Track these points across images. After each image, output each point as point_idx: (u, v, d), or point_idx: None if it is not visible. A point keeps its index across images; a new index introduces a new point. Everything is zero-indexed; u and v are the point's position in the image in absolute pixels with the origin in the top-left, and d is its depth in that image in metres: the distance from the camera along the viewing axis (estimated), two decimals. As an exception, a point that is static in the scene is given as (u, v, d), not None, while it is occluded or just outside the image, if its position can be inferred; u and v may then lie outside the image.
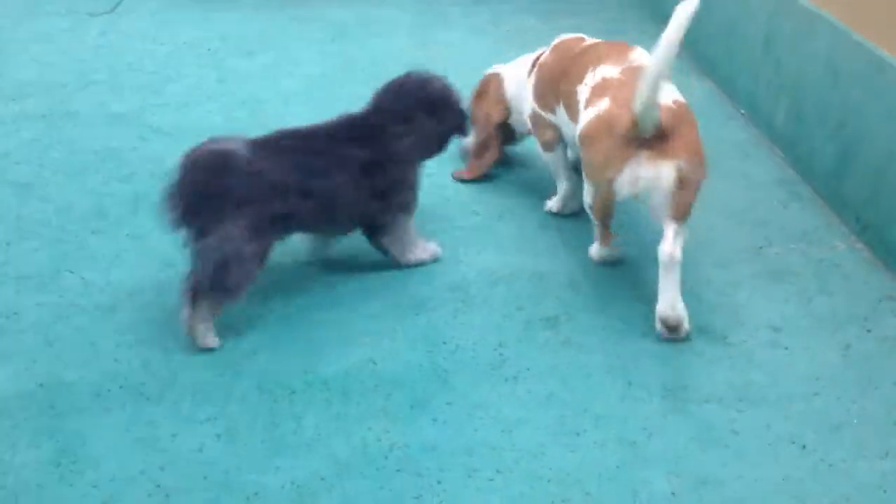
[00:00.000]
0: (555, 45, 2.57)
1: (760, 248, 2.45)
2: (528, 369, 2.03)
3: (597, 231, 2.34)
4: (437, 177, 2.78)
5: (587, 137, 2.15)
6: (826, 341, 2.11)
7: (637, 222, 2.52)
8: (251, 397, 1.94)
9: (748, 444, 1.83)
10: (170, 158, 2.85)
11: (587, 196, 2.25)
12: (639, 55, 2.28)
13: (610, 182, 2.11)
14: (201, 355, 2.05)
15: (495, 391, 1.97)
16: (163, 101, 3.31)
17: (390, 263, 2.37)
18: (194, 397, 1.94)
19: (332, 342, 2.10)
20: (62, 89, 3.42)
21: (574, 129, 2.26)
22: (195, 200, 2.01)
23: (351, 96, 3.33)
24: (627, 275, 2.34)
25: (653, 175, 2.05)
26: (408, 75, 2.36)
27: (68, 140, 3.02)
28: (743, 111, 3.19)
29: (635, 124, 2.03)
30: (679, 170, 2.04)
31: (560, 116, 2.42)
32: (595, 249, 2.38)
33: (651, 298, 2.25)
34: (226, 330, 2.12)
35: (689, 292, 2.26)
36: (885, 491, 1.73)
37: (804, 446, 1.83)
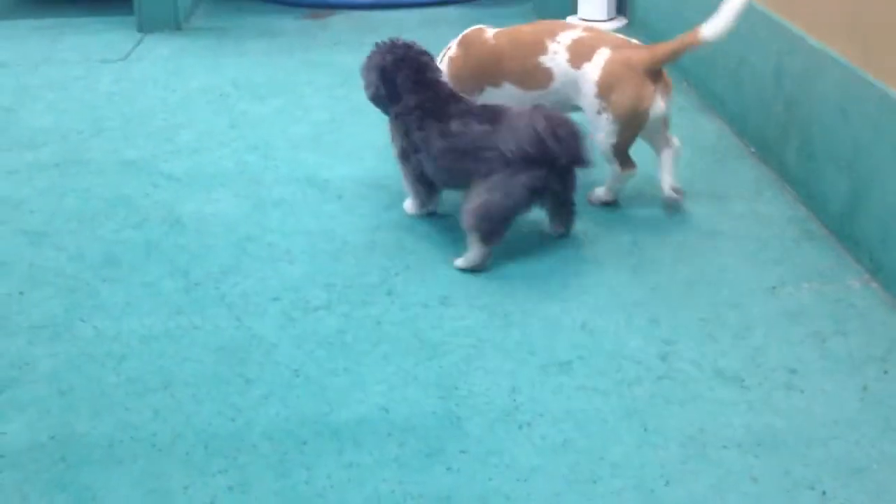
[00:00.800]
0: (462, 40, 2.94)
1: (774, 287, 2.44)
2: (543, 415, 2.01)
3: (618, 166, 2.76)
4: (442, 218, 2.78)
5: (611, 81, 2.64)
6: (843, 383, 2.09)
7: (646, 265, 2.51)
8: (262, 447, 1.92)
9: (768, 492, 1.80)
10: (181, 204, 2.89)
11: (612, 137, 2.68)
12: (572, 22, 2.94)
13: (646, 111, 2.64)
14: (212, 403, 2.04)
15: (510, 438, 1.95)
16: (175, 148, 3.34)
17: (399, 306, 2.37)
18: (206, 448, 1.92)
19: (343, 389, 2.09)
20: (76, 136, 3.45)
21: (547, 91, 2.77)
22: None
23: (359, 141, 3.37)
24: (640, 318, 2.32)
25: (662, 102, 2.67)
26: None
27: (81, 188, 3.04)
28: (753, 149, 3.19)
29: (652, 61, 2.65)
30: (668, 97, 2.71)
31: (506, 90, 2.84)
32: (618, 177, 2.79)
33: (666, 341, 2.23)
34: (236, 377, 2.12)
35: (703, 334, 2.25)
36: (908, 538, 1.70)
37: (824, 492, 1.80)
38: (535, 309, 2.36)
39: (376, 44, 2.74)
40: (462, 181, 2.57)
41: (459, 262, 2.53)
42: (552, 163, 2.44)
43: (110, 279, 2.52)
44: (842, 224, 2.60)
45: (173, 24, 4.73)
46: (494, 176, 2.45)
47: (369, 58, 2.74)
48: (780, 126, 2.96)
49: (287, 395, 2.07)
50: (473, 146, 2.49)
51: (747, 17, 3.18)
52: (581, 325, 2.30)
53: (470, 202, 2.50)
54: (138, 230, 2.77)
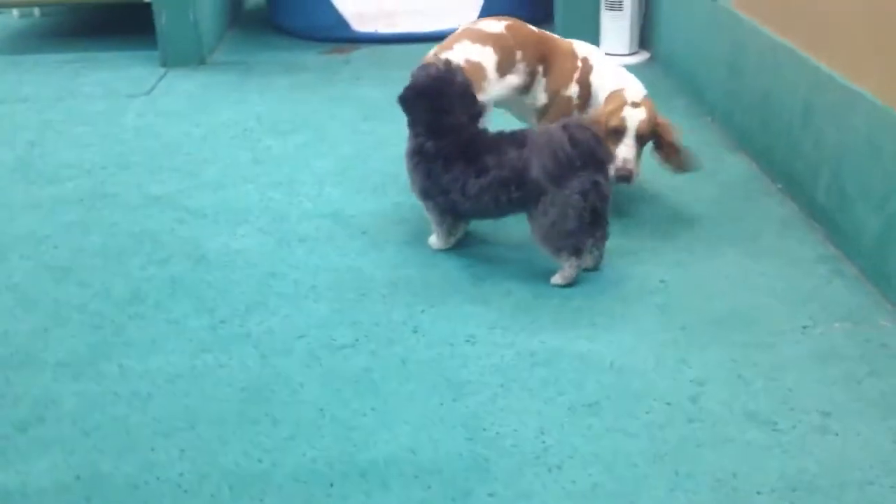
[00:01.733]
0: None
1: (805, 327, 2.40)
2: (572, 457, 1.98)
3: None
4: (467, 254, 2.77)
5: None
6: (877, 426, 2.05)
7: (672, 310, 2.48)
8: (289, 488, 1.90)
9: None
10: (206, 241, 2.89)
11: None
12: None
13: None
14: (238, 443, 2.02)
15: (538, 481, 1.92)
16: (199, 183, 3.35)
17: (425, 344, 2.35)
18: (232, 489, 1.90)
19: (369, 429, 2.07)
20: (101, 171, 3.47)
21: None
22: None
23: (383, 175, 3.37)
24: (670, 358, 2.30)
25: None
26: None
27: (106, 223, 3.05)
28: (779, 185, 3.16)
29: None
30: None
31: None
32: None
33: (696, 382, 2.20)
34: (263, 416, 2.10)
35: (734, 375, 2.22)
36: (950, 589, 1.65)
37: (862, 540, 1.76)
38: (563, 348, 2.34)
39: (421, 66, 2.73)
40: (505, 209, 2.65)
41: (557, 279, 2.62)
42: (582, 167, 2.52)
43: (136, 316, 2.52)
44: (872, 262, 2.57)
45: (197, 58, 4.78)
46: (544, 197, 2.53)
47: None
48: (809, 162, 2.94)
49: (313, 435, 2.05)
50: (514, 173, 2.55)
51: (774, 52, 3.18)
52: (609, 365, 2.27)
53: (538, 231, 2.59)
54: (163, 266, 2.77)
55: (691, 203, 3.11)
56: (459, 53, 2.91)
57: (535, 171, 2.52)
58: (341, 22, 5.18)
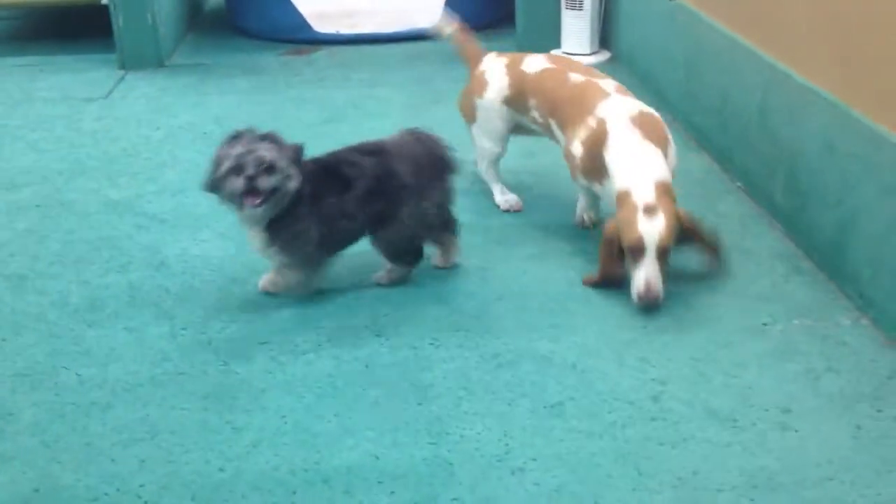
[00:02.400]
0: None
1: (764, 324, 2.43)
2: (535, 459, 1.98)
3: None
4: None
5: None
6: (837, 422, 2.07)
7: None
8: (251, 497, 1.89)
9: (764, 536, 1.79)
10: (166, 247, 2.86)
11: None
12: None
13: None
14: (199, 452, 2.00)
15: (502, 484, 1.92)
16: (158, 188, 3.31)
17: (388, 348, 2.34)
18: (194, 499, 1.88)
19: (333, 435, 2.06)
20: (58, 177, 3.42)
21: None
22: None
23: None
24: (632, 358, 2.31)
25: None
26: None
27: (64, 230, 3.01)
28: (739, 184, 3.20)
29: None
30: None
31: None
32: None
33: (658, 381, 2.22)
34: (224, 425, 2.08)
35: (695, 373, 2.24)
36: (907, 582, 1.68)
37: (822, 535, 1.78)
38: (526, 349, 2.35)
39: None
40: (374, 224, 2.54)
41: (382, 278, 2.64)
42: (435, 176, 2.56)
43: (94, 324, 2.48)
44: (831, 260, 2.61)
45: (155, 61, 4.73)
46: (403, 207, 2.51)
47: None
48: (766, 162, 2.97)
49: (276, 442, 2.04)
50: (378, 182, 2.49)
51: (731, 51, 3.21)
52: (572, 366, 2.28)
53: (390, 239, 2.57)
54: (123, 273, 2.74)
55: (652, 202, 3.12)
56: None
57: (399, 178, 2.50)
58: (302, 23, 5.15)
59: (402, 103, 4.14)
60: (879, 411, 2.10)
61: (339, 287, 2.64)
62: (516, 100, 2.92)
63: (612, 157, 2.55)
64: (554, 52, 4.72)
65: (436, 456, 2.00)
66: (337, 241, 2.54)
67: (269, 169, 2.33)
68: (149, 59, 4.71)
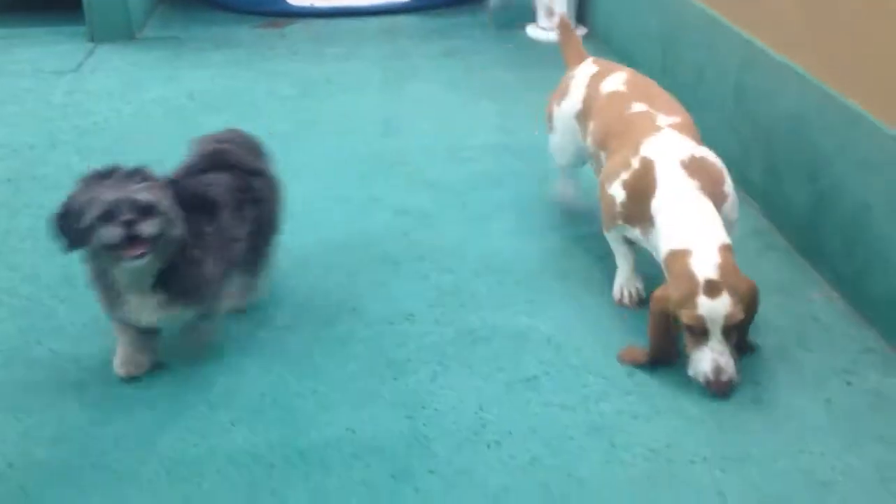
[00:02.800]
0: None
1: (737, 300, 2.45)
2: (510, 432, 2.00)
3: None
4: (405, 232, 2.77)
5: None
6: (808, 396, 2.10)
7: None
8: (228, 473, 1.89)
9: (729, 501, 1.81)
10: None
11: None
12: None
13: None
14: (175, 429, 2.00)
15: (478, 457, 1.93)
16: (131, 162, 3.27)
17: (364, 324, 2.34)
18: (169, 474, 1.88)
19: (309, 410, 2.06)
20: (29, 151, 3.38)
21: None
22: None
23: (319, 153, 3.34)
24: (607, 333, 2.32)
25: None
26: None
27: (35, 204, 2.97)
28: (713, 160, 3.21)
29: None
30: None
31: None
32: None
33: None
34: (200, 401, 2.08)
35: (669, 349, 2.25)
36: (875, 551, 1.71)
37: (792, 506, 1.81)
38: (502, 325, 2.35)
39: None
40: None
41: (197, 343, 2.23)
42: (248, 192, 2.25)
43: (67, 300, 2.46)
44: (803, 236, 2.63)
45: (126, 33, 4.66)
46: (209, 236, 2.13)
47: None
48: (742, 139, 2.99)
49: (253, 418, 2.03)
50: (241, 194, 2.24)
51: (708, 27, 3.21)
52: (547, 341, 2.29)
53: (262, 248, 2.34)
54: (95, 248, 2.71)
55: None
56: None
57: (264, 179, 2.33)
58: (276, -4, 5.10)
59: (378, 78, 4.12)
60: (849, 385, 2.13)
61: (314, 264, 2.63)
62: (584, 119, 2.58)
63: (661, 210, 2.17)
64: (529, 27, 4.70)
65: (412, 430, 2.00)
66: (231, 267, 2.22)
67: (149, 211, 1.94)
68: (119, 32, 4.64)
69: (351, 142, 3.43)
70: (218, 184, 2.18)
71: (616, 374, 2.17)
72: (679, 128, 2.32)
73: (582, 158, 2.71)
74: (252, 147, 2.41)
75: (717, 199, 2.19)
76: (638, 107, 2.40)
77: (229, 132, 2.41)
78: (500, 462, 1.92)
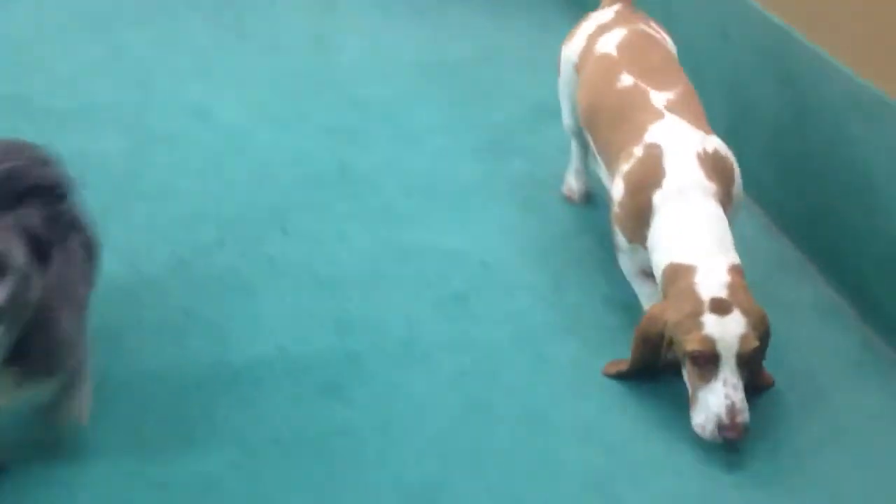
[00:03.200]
0: None
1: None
2: (439, 347, 2.03)
3: None
4: (336, 152, 2.75)
5: None
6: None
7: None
8: (157, 393, 1.89)
9: (648, 413, 1.88)
10: (59, 142, 2.74)
11: None
12: None
13: None
14: (103, 350, 1.97)
15: (406, 371, 1.97)
16: (51, 80, 3.17)
17: (294, 242, 2.34)
18: (96, 399, 1.86)
19: (239, 329, 2.06)
20: None
21: None
22: None
23: (246, 69, 3.27)
24: (534, 251, 2.36)
25: None
26: None
27: (-51, 125, 2.87)
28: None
29: None
30: None
31: None
32: None
33: (560, 273, 2.27)
34: (127, 322, 2.07)
35: (596, 265, 2.30)
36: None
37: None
38: (432, 244, 2.37)
39: None
40: None
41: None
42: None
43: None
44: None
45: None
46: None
47: None
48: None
49: (180, 338, 2.03)
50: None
51: None
52: (476, 259, 2.32)
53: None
54: (15, 170, 2.64)
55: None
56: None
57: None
58: None
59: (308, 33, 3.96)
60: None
61: (241, 182, 2.60)
62: (580, 73, 2.29)
63: (664, 209, 1.87)
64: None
65: (343, 346, 2.03)
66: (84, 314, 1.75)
67: None
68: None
69: (279, 59, 3.37)
70: (30, 217, 1.56)
71: (545, 290, 2.21)
72: (676, 105, 2.00)
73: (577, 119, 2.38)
74: (39, 157, 1.77)
75: (726, 203, 1.90)
76: (626, 79, 2.08)
77: (5, 145, 1.73)
78: (427, 375, 1.96)
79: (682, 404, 1.83)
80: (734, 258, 1.82)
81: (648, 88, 2.04)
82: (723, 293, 1.74)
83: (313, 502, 1.68)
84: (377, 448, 1.78)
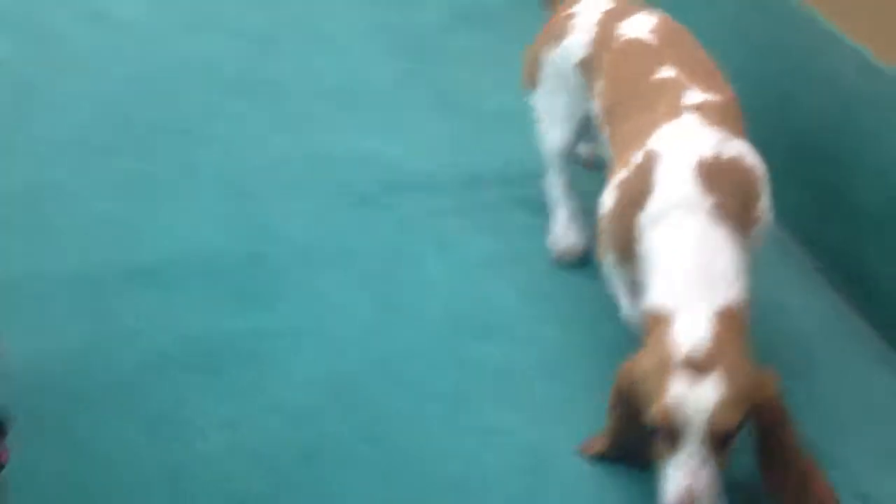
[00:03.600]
0: None
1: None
2: (349, 251, 2.03)
3: None
4: (245, 56, 2.67)
5: None
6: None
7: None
8: (58, 295, 1.85)
9: (565, 303, 1.91)
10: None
11: None
12: None
13: None
14: (4, 253, 1.93)
15: (316, 274, 1.97)
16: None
17: (201, 143, 2.29)
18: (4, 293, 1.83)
19: (148, 231, 2.03)
20: None
21: None
22: None
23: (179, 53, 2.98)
24: (456, 151, 2.34)
25: None
26: None
27: None
28: None
29: None
30: None
31: None
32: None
33: (472, 162, 2.27)
34: (32, 225, 2.01)
35: (504, 163, 2.29)
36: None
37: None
38: (347, 147, 2.33)
39: None
40: None
41: None
42: None
43: None
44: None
45: None
46: None
47: None
48: None
49: (86, 239, 1.99)
50: None
51: None
52: (393, 162, 2.29)
53: None
54: None
55: None
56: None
57: None
58: None
59: None
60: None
61: (143, 82, 2.51)
62: (591, 71, 1.83)
63: (647, 235, 1.52)
64: None
65: (253, 249, 2.02)
66: None
67: None
68: None
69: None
70: None
71: (463, 192, 2.21)
72: (715, 109, 1.61)
73: (581, 133, 1.96)
74: None
75: (744, 223, 1.52)
76: (668, 72, 1.68)
77: None
78: (337, 277, 1.96)
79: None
80: (729, 297, 1.42)
81: (690, 84, 1.64)
82: (702, 349, 1.37)
83: (228, 404, 1.68)
84: (290, 349, 1.79)
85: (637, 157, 1.57)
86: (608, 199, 1.61)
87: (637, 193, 1.54)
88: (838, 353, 1.85)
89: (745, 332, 1.44)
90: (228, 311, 1.86)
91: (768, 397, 1.40)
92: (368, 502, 1.52)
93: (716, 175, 1.51)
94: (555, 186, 2.01)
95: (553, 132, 1.98)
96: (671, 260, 1.46)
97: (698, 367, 1.35)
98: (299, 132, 2.39)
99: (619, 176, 1.60)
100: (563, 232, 1.99)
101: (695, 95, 1.62)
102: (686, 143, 1.55)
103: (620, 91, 1.74)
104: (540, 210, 2.13)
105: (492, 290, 1.94)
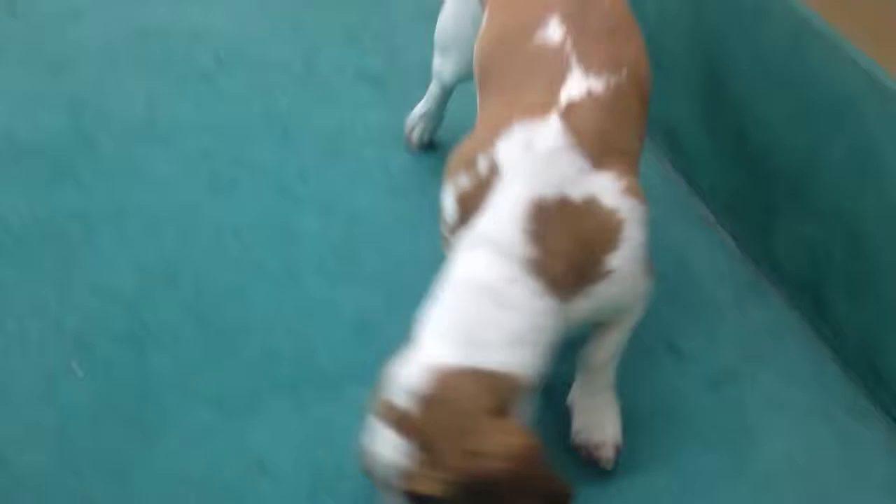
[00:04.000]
0: None
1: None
2: (181, 127, 1.96)
3: None
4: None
5: None
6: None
7: None
8: None
9: (399, 180, 1.90)
10: None
11: None
12: None
13: None
14: None
15: (146, 152, 1.89)
16: None
17: (22, 21, 2.16)
18: None
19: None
20: None
21: None
22: None
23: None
24: (287, 23, 2.26)
25: None
26: None
27: None
28: None
29: None
30: None
31: None
32: None
33: (313, 46, 2.20)
34: None
35: (348, 37, 2.22)
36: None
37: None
38: (176, 20, 2.23)
39: None
40: None
41: None
42: None
43: None
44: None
45: None
46: None
47: None
48: None
49: None
50: None
51: None
52: (225, 36, 2.20)
53: None
54: None
55: None
56: None
57: None
58: None
59: None
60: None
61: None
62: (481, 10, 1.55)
63: (454, 258, 1.24)
64: None
65: (76, 130, 1.92)
66: None
67: None
68: None
69: None
70: None
71: (295, 67, 2.13)
72: (594, 112, 1.26)
73: (466, 49, 1.61)
74: None
75: (578, 280, 1.22)
76: (553, 31, 1.33)
77: None
78: (168, 155, 1.89)
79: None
80: (500, 362, 1.14)
81: (575, 58, 1.30)
82: (409, 401, 1.12)
83: (50, 287, 1.62)
84: (115, 229, 1.72)
85: (481, 165, 1.24)
86: (448, 205, 1.29)
87: (469, 209, 1.24)
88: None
89: (507, 405, 1.13)
90: (48, 194, 1.78)
91: (504, 475, 1.08)
92: (193, 382, 1.50)
93: (553, 222, 1.20)
94: (433, 95, 1.87)
95: (446, 58, 1.74)
96: (442, 296, 1.19)
97: (399, 420, 1.11)
98: (125, 4, 2.26)
99: (459, 180, 1.27)
100: (416, 122, 1.92)
101: (574, 83, 1.27)
102: (533, 169, 1.21)
103: (498, 44, 1.39)
104: (380, 82, 2.09)
105: (326, 167, 1.91)
